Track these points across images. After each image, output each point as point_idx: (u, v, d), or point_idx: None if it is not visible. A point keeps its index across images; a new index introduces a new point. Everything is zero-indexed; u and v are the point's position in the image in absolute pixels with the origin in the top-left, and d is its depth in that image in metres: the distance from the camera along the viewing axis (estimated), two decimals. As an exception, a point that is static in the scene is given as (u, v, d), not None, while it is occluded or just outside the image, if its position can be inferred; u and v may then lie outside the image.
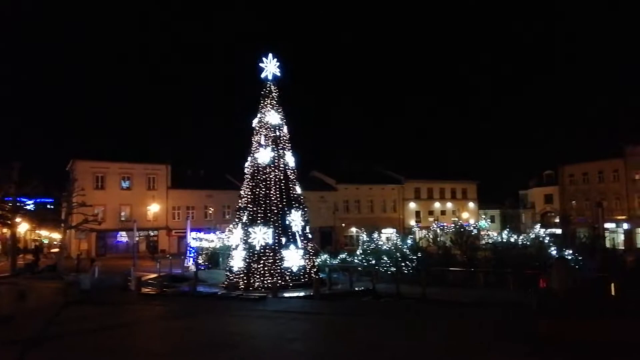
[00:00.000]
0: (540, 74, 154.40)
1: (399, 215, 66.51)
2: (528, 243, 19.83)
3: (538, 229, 20.57)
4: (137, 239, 38.83)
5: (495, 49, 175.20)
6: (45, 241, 75.73)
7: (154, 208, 50.59)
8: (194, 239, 29.92)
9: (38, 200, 53.97)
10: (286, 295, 18.11)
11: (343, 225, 61.62)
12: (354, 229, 64.23)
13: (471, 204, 72.30)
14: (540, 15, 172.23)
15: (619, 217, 57.61)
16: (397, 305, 16.66)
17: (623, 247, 52.39)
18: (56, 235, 62.78)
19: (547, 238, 19.74)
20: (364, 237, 23.26)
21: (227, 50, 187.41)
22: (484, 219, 69.28)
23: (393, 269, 20.27)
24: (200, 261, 28.26)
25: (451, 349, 9.41)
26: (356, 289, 19.45)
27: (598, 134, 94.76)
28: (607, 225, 54.55)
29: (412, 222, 66.49)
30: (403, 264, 20.28)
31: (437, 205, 69.38)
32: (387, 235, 65.18)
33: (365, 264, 21.12)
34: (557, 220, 67.82)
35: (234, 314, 14.24)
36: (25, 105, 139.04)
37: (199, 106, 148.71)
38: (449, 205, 70.41)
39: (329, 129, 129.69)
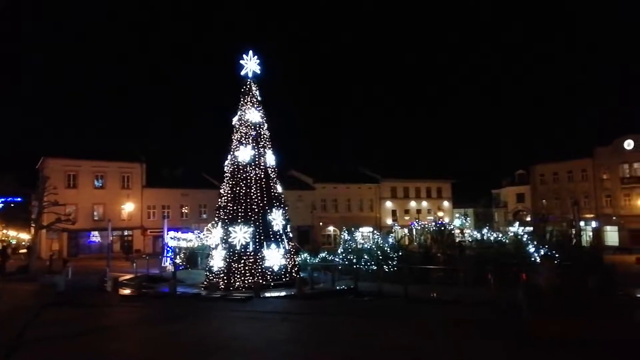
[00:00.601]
0: (516, 74, 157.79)
1: (376, 214, 67.03)
2: (506, 241, 20.24)
3: (516, 227, 21.01)
4: (111, 238, 37.98)
5: (471, 48, 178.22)
6: (13, 242, 73.32)
7: (128, 207, 49.61)
8: (171, 238, 29.41)
9: (6, 199, 52.18)
10: (269, 295, 17.95)
11: (321, 224, 61.73)
12: (331, 228, 64.47)
13: (446, 203, 73.45)
14: (518, 15, 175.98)
15: (588, 216, 59.36)
16: (381, 304, 16.69)
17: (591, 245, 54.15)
18: (25, 236, 60.83)
19: (525, 236, 20.20)
20: (345, 236, 23.31)
21: (207, 47, 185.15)
22: (459, 217, 70.79)
23: (374, 267, 20.33)
24: (178, 261, 27.78)
25: (447, 347, 9.47)
26: (338, 288, 19.45)
27: (569, 135, 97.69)
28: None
29: (389, 221, 67.01)
30: (384, 263, 20.36)
31: (412, 204, 70.21)
32: (364, 233, 66.01)
33: (347, 263, 21.13)
34: (529, 218, 69.63)
35: (220, 315, 13.94)
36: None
37: (177, 104, 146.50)
38: (425, 204, 71.34)
39: (306, 128, 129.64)
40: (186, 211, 54.90)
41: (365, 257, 21.67)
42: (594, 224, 59.05)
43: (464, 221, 23.85)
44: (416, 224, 25.04)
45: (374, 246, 21.03)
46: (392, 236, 23.24)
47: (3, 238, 71.41)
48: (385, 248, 20.94)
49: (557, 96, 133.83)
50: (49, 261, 29.05)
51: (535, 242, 19.82)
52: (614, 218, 57.41)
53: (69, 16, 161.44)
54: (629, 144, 56.62)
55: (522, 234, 20.42)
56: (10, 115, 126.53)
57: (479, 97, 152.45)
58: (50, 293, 12.05)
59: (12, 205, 51.34)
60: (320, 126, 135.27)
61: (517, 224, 21.73)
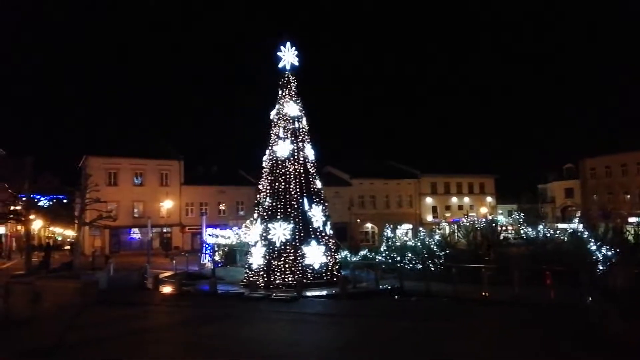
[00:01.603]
0: (561, 64, 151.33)
1: (416, 210, 65.38)
2: (564, 238, 18.76)
3: (576, 224, 19.47)
4: (151, 235, 38.35)
5: (512, 39, 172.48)
6: (59, 238, 75.91)
7: (167, 204, 50.06)
8: (209, 235, 29.18)
9: (51, 197, 53.74)
10: (310, 294, 17.21)
11: (358, 221, 60.66)
12: (369, 225, 63.31)
13: (489, 199, 70.85)
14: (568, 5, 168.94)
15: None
16: (430, 305, 15.64)
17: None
18: (70, 233, 62.72)
19: (586, 234, 18.64)
20: (388, 233, 22.32)
21: (242, 42, 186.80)
22: (502, 213, 68.05)
23: (420, 266, 19.28)
24: (216, 258, 27.51)
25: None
26: (382, 287, 18.51)
27: (620, 126, 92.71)
28: (631, 219, 53.06)
29: (429, 218, 65.34)
30: (430, 261, 19.29)
31: (454, 200, 68.12)
32: (403, 230, 64.52)
33: (390, 261, 20.17)
34: (578, 214, 66.41)
35: (265, 317, 13.23)
36: (38, 101, 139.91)
37: (212, 101, 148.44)
38: (466, 200, 69.10)
39: (343, 123, 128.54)
40: (223, 208, 55.05)
41: (409, 254, 20.61)
42: (649, 220, 55.51)
43: (515, 217, 22.23)
44: (464, 220, 23.69)
45: (419, 243, 19.95)
46: (438, 233, 22.10)
47: (49, 235, 74.12)
48: (432, 245, 19.83)
49: (606, 85, 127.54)
50: (92, 257, 29.39)
51: (596, 241, 18.24)
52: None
53: (116, 13, 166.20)
54: (689, 135, 52.87)
55: (582, 230, 18.88)
56: (53, 116, 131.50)
57: (523, 90, 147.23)
58: (93, 291, 11.71)
59: (56, 203, 53.03)
60: (357, 121, 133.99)
61: (576, 220, 20.12)
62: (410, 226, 61.38)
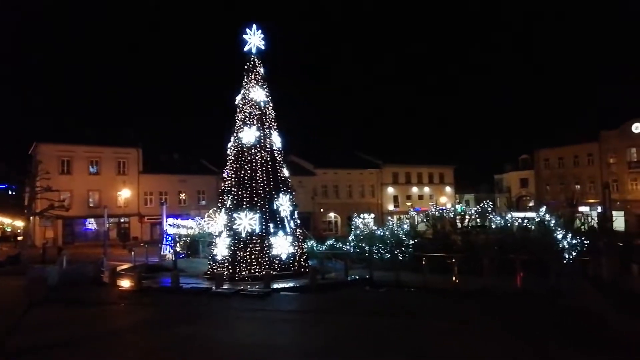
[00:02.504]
0: (518, 57, 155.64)
1: (378, 200, 65.87)
2: (531, 227, 19.05)
3: (543, 212, 19.79)
4: (107, 226, 36.69)
5: (470, 30, 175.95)
6: (8, 229, 71.74)
7: (124, 194, 48.15)
8: (170, 225, 28.09)
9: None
10: (277, 286, 16.68)
11: (322, 210, 60.51)
12: (332, 215, 63.30)
13: (448, 189, 72.34)
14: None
15: (593, 201, 58.38)
16: (402, 296, 15.46)
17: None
18: (20, 223, 59.38)
19: (552, 222, 18.99)
20: (356, 222, 22.04)
21: (203, 24, 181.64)
22: (458, 202, 69.73)
23: (388, 255, 19.11)
24: (178, 249, 26.51)
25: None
26: (351, 278, 18.22)
27: (574, 119, 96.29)
28: (581, 208, 55.47)
29: (390, 207, 66.01)
30: (398, 251, 19.16)
31: (414, 189, 69.06)
32: (369, 220, 64.94)
33: (358, 250, 19.92)
34: (531, 204, 68.76)
35: (240, 316, 12.29)
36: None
37: (173, 86, 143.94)
38: (427, 189, 70.22)
39: (306, 111, 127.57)
40: (184, 197, 53.54)
41: (377, 244, 20.42)
42: (599, 209, 58.11)
43: (471, 206, 22.33)
44: (432, 209, 23.67)
45: (387, 233, 19.77)
46: (406, 222, 22.04)
47: (-3, 226, 69.89)
48: (400, 235, 19.71)
49: (562, 79, 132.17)
50: (42, 249, 27.70)
51: (562, 229, 18.60)
52: (618, 203, 56.45)
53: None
54: (636, 128, 55.52)
55: (549, 219, 19.22)
56: (2, 101, 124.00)
57: (481, 81, 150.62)
58: (40, 288, 10.37)
59: (3, 191, 49.94)
60: (320, 110, 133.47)
61: (543, 208, 20.43)
62: (373, 215, 61.96)
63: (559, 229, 18.59)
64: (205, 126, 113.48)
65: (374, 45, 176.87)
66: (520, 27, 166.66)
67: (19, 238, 54.38)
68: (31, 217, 38.58)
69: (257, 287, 16.14)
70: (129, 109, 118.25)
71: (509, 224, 19.90)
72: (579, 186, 61.58)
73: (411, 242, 19.55)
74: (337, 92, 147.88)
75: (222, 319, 12.02)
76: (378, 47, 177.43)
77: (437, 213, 22.25)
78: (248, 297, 14.74)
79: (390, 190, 66.97)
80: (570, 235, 18.05)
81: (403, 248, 19.01)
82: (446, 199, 69.01)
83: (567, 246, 17.73)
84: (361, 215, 60.53)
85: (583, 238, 18.32)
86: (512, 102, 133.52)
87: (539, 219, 19.49)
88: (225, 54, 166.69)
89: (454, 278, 16.00)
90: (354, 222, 22.73)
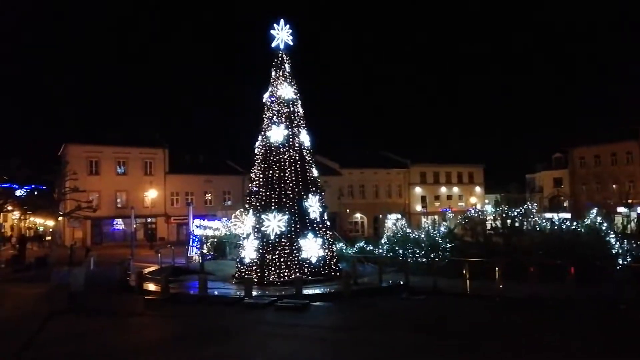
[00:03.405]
0: (550, 52, 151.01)
1: (405, 200, 64.54)
2: (581, 230, 17.72)
3: (594, 213, 18.44)
4: (134, 226, 36.64)
5: (502, 28, 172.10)
6: (41, 229, 73.24)
7: (151, 194, 48.21)
8: (197, 226, 27.60)
9: (29, 187, 51.35)
10: (309, 292, 15.84)
11: (347, 211, 59.53)
12: (358, 215, 62.30)
13: (478, 189, 70.41)
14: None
15: (634, 201, 55.72)
16: (449, 305, 14.30)
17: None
18: (51, 223, 60.29)
19: (605, 224, 17.63)
20: (390, 224, 21.01)
21: (227, 24, 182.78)
22: (487, 203, 67.72)
23: (424, 259, 18.08)
24: (204, 251, 26.00)
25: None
26: (385, 284, 17.24)
27: (610, 115, 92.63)
28: (620, 209, 52.91)
29: (418, 207, 64.54)
30: (433, 254, 18.11)
31: (443, 189, 67.47)
32: (393, 220, 63.70)
33: (392, 254, 18.95)
34: (566, 204, 66.22)
35: (276, 333, 11.10)
36: (14, 88, 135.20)
37: (198, 88, 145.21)
38: (455, 189, 68.49)
39: (332, 110, 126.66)
40: (209, 198, 53.40)
41: (409, 247, 19.39)
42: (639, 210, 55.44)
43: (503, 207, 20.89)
44: (471, 211, 22.51)
45: (422, 235, 18.75)
46: (444, 224, 20.92)
47: (29, 226, 71.36)
48: (437, 237, 18.65)
49: (597, 74, 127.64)
50: (70, 250, 27.62)
51: (615, 233, 17.22)
52: (660, 203, 53.74)
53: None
54: (679, 124, 52.71)
55: (601, 221, 17.85)
56: (33, 103, 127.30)
57: (511, 79, 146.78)
58: (62, 296, 9.69)
59: (34, 192, 50.64)
60: (345, 109, 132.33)
61: (594, 210, 19.04)
62: (400, 216, 60.66)
63: (612, 232, 17.25)
64: (231, 126, 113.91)
65: (402, 42, 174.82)
66: (553, 22, 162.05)
67: (48, 238, 55.25)
68: (60, 218, 38.88)
69: (291, 299, 14.82)
70: (153, 109, 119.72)
71: (555, 227, 18.64)
72: (616, 186, 59.06)
73: (448, 245, 18.46)
74: (362, 91, 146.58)
75: (256, 337, 10.90)
76: (407, 44, 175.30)
77: (475, 214, 21.07)
78: (284, 310, 13.43)
79: (418, 190, 65.53)
80: (623, 239, 16.71)
81: (440, 252, 17.94)
82: (476, 200, 67.21)
83: (620, 251, 16.39)
84: (388, 216, 59.87)
85: (633, 242, 16.98)
86: (544, 98, 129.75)
87: (589, 222, 18.12)
88: (250, 51, 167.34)
89: (498, 285, 14.87)
90: (387, 224, 21.69)
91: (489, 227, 21.73)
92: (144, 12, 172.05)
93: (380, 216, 62.86)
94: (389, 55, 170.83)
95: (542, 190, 69.45)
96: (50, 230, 63.16)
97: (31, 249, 35.27)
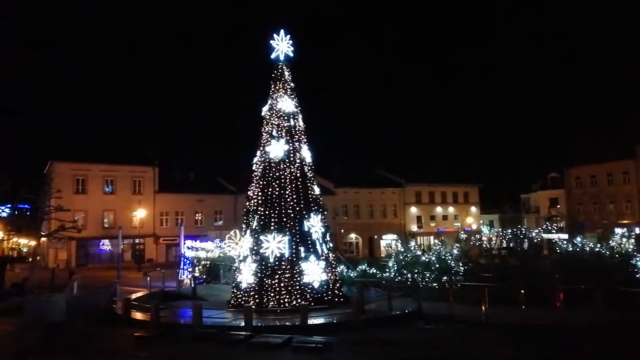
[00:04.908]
0: (545, 68, 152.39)
1: (400, 220, 63.35)
2: (606, 252, 16.62)
3: (620, 235, 17.41)
4: (122, 248, 34.88)
5: (492, 46, 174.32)
6: (24, 249, 70.71)
7: (140, 214, 46.49)
8: (188, 248, 26.07)
9: (11, 206, 49.39)
10: (314, 321, 14.39)
11: (342, 231, 58.13)
12: (353, 235, 60.91)
13: (473, 208, 69.53)
14: (536, 15, 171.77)
15: (629, 221, 55.14)
16: (474, 337, 12.92)
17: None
18: (34, 244, 58.08)
19: (632, 245, 16.59)
20: (397, 245, 19.77)
21: (220, 37, 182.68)
22: (483, 224, 66.71)
23: (435, 284, 16.80)
24: (196, 274, 24.43)
25: None
26: (395, 311, 15.85)
27: (605, 135, 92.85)
28: (617, 230, 52.28)
29: (414, 227, 63.37)
30: (444, 277, 16.84)
31: (439, 209, 66.43)
32: (388, 241, 62.39)
33: (400, 278, 17.64)
34: (562, 224, 65.54)
35: None
36: None
37: (187, 104, 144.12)
38: (451, 209, 67.52)
39: (326, 128, 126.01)
40: (200, 218, 51.74)
41: (418, 269, 18.11)
42: (638, 229, 54.81)
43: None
44: (487, 232, 21.39)
45: (433, 257, 17.52)
46: (456, 245, 19.72)
47: (12, 247, 68.81)
48: (448, 259, 17.42)
49: (592, 93, 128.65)
50: (52, 273, 25.88)
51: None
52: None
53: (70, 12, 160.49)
54: (676, 143, 52.52)
55: (626, 242, 16.81)
56: (17, 119, 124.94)
57: (506, 97, 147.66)
58: (34, 335, 8.08)
59: (18, 211, 48.66)
60: (339, 127, 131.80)
61: (620, 230, 18.04)
62: (395, 236, 59.37)
63: (638, 254, 16.17)
64: (222, 143, 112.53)
65: (396, 58, 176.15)
66: (552, 38, 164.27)
67: (30, 259, 52.89)
68: (43, 238, 37.01)
69: (307, 335, 12.69)
70: (142, 125, 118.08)
71: (577, 249, 17.50)
72: (613, 205, 58.63)
73: (461, 268, 17.21)
74: (357, 108, 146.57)
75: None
76: (401, 61, 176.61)
77: (491, 236, 19.92)
78: (302, 351, 11.15)
79: (414, 210, 64.44)
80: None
81: (452, 275, 16.69)
82: (472, 219, 66.31)
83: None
84: (383, 237, 58.46)
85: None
86: (539, 118, 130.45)
87: (612, 244, 17.04)
88: (243, 64, 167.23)
89: (523, 310, 13.63)
90: (393, 245, 20.42)
91: (495, 247, 20.68)
92: (136, 26, 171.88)
93: (376, 236, 61.68)
94: (382, 74, 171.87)
95: (539, 210, 68.77)
96: (33, 251, 60.84)
97: (12, 271, 33.33)
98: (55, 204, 25.40)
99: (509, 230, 19.32)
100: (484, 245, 19.40)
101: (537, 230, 19.96)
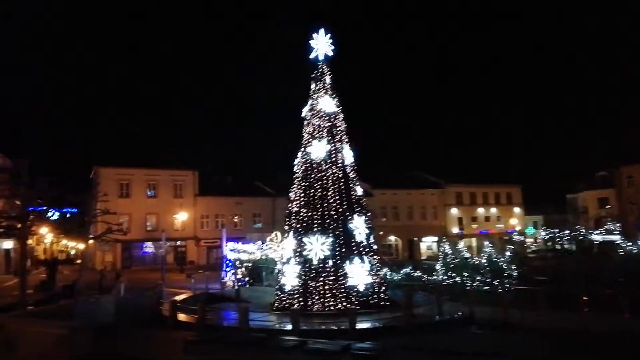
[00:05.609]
0: (593, 65, 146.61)
1: (441, 222, 61.86)
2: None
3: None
4: (165, 249, 35.45)
5: (536, 44, 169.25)
6: (72, 252, 73.47)
7: (181, 217, 47.28)
8: (231, 250, 26.13)
9: (61, 210, 51.25)
10: (362, 326, 13.93)
11: (381, 233, 57.25)
12: (392, 238, 59.93)
13: (517, 209, 67.08)
14: (593, 15, 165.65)
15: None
16: (542, 343, 12.05)
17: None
18: (82, 246, 60.08)
19: None
20: (446, 248, 19.09)
21: (258, 43, 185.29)
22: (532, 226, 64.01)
23: (486, 287, 16.05)
24: (239, 276, 24.43)
25: None
26: (444, 316, 15.20)
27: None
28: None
29: (455, 230, 61.77)
30: (497, 281, 16.07)
31: (480, 211, 64.48)
32: (428, 244, 61.11)
33: (450, 281, 16.98)
34: (612, 226, 62.33)
35: None
36: (47, 112, 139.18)
37: (226, 110, 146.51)
38: (493, 210, 65.41)
39: (363, 129, 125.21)
40: (237, 220, 52.10)
41: (469, 273, 17.39)
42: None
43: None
44: (543, 233, 20.39)
45: (483, 260, 16.76)
46: (509, 247, 18.85)
47: (61, 249, 71.55)
48: (500, 262, 16.61)
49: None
50: (100, 275, 26.50)
51: None
52: None
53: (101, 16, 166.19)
54: None
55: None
56: (64, 126, 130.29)
57: (550, 97, 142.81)
58: (83, 340, 7.92)
59: (67, 215, 50.45)
60: (376, 128, 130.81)
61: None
62: (435, 238, 58.07)
63: None
64: (258, 146, 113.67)
65: (435, 52, 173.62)
66: (602, 38, 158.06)
67: (78, 261, 54.76)
68: (90, 241, 38.09)
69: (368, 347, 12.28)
70: (181, 131, 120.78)
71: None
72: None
73: (515, 272, 16.38)
74: (393, 108, 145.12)
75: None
76: (442, 62, 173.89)
77: (546, 236, 18.96)
78: (359, 359, 10.43)
79: (454, 211, 62.81)
80: None
81: (505, 279, 15.89)
82: (517, 221, 64.07)
83: None
84: (423, 239, 57.21)
85: None
86: (587, 114, 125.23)
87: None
88: (286, 74, 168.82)
89: (584, 316, 12.77)
90: (443, 248, 19.72)
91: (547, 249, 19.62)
92: (172, 30, 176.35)
93: (415, 239, 60.47)
94: (422, 74, 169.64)
95: (587, 211, 65.66)
96: (81, 253, 62.98)
97: (62, 273, 34.44)
98: (102, 207, 25.97)
99: (566, 232, 18.20)
100: (537, 247, 18.40)
101: (591, 232, 18.68)
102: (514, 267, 16.66)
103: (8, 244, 38.81)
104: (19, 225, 17.64)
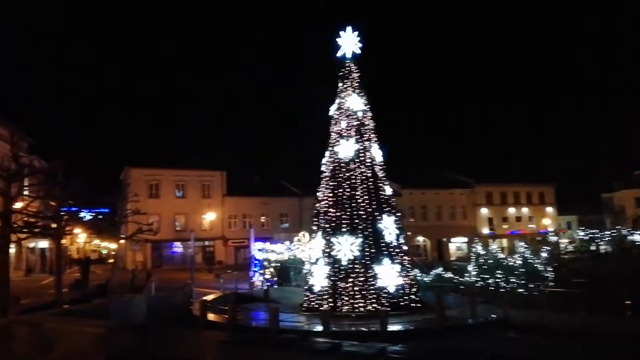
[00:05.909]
0: (624, 61, 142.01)
1: (470, 222, 60.71)
2: None
3: None
4: (194, 249, 35.84)
5: (567, 44, 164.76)
6: (104, 252, 75.46)
7: (209, 217, 47.79)
8: (259, 250, 26.17)
9: (91, 210, 52.59)
10: (393, 328, 13.65)
11: (409, 233, 56.49)
12: (421, 238, 59.15)
13: (549, 209, 65.26)
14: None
15: None
16: (583, 349, 11.53)
17: None
18: (114, 246, 61.59)
19: None
20: (478, 248, 18.63)
21: (283, 44, 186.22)
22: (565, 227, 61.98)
23: (521, 289, 15.53)
24: (267, 276, 24.45)
25: None
26: (477, 319, 14.76)
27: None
28: None
29: (485, 230, 60.52)
30: (533, 284, 15.53)
31: (511, 210, 63.02)
32: (457, 244, 60.05)
33: (483, 282, 16.54)
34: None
35: None
36: (77, 114, 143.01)
37: (252, 110, 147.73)
38: (525, 210, 63.83)
39: (391, 128, 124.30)
40: (264, 220, 52.31)
41: (502, 274, 16.87)
42: None
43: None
44: (577, 234, 19.71)
45: (518, 261, 16.24)
46: (545, 248, 18.22)
47: (94, 249, 73.55)
48: (535, 263, 16.07)
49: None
50: (132, 275, 26.94)
51: None
52: None
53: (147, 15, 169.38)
54: None
55: None
56: (94, 127, 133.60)
57: (584, 94, 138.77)
58: (119, 339, 8.01)
59: (99, 215, 51.74)
60: (404, 126, 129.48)
61: None
62: (465, 239, 57.04)
63: None
64: (284, 147, 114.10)
65: (468, 52, 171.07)
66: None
67: (110, 261, 56.14)
68: (122, 241, 38.92)
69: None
70: (208, 131, 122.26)
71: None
72: None
73: (551, 273, 15.79)
74: (422, 108, 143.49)
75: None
76: (473, 61, 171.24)
77: (585, 237, 18.29)
78: None
79: (484, 211, 61.55)
80: None
81: (541, 280, 15.34)
82: (550, 221, 62.30)
83: None
84: (452, 240, 56.18)
85: None
86: (619, 114, 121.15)
87: None
88: (314, 73, 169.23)
89: (627, 320, 12.19)
90: (474, 249, 19.24)
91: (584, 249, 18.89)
92: (199, 34, 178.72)
93: (444, 239, 59.53)
94: (451, 72, 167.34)
95: (624, 211, 63.32)
96: (113, 253, 64.46)
97: (94, 272, 35.25)
98: (133, 207, 26.39)
99: (607, 232, 17.48)
100: (574, 248, 17.76)
101: (631, 232, 17.89)
102: (549, 268, 16.08)
103: (43, 243, 40.00)
104: (55, 225, 18.04)
